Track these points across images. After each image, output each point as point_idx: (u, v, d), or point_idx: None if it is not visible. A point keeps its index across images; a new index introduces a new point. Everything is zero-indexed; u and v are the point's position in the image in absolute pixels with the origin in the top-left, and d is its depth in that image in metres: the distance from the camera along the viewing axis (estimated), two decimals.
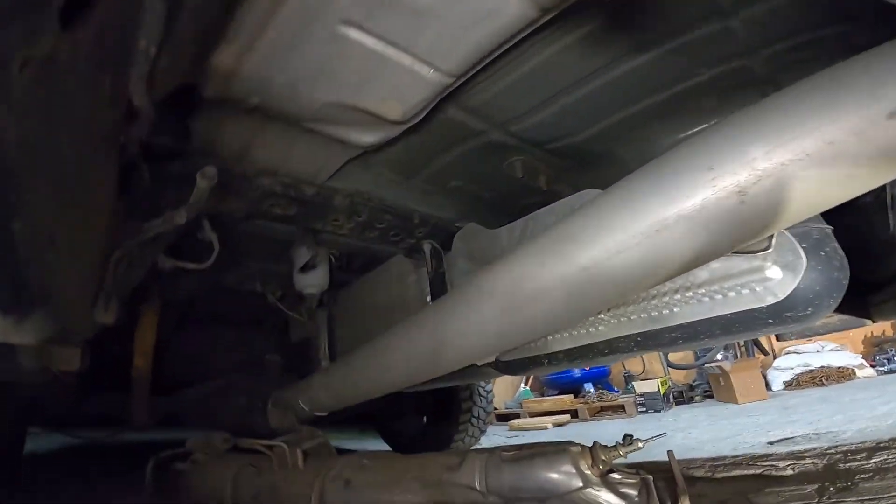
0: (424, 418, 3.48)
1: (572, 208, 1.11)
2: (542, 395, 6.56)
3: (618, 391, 6.03)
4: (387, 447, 3.62)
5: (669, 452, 1.09)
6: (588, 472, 1.06)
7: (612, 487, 1.06)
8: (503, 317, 1.02)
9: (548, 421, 5.15)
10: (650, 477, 1.05)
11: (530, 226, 1.40)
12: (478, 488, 1.16)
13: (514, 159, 1.55)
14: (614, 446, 1.09)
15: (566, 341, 1.28)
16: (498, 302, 1.02)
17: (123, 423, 2.48)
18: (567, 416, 5.34)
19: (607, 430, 4.24)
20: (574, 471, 1.06)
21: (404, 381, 1.39)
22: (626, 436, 1.08)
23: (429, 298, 1.72)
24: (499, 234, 1.58)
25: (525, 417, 5.60)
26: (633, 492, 1.07)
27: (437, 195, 1.74)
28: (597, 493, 1.04)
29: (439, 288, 1.67)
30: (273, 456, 1.57)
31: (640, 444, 1.07)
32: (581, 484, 1.05)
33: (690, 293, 1.02)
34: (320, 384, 1.75)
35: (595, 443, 1.12)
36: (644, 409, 5.26)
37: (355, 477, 1.37)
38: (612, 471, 1.11)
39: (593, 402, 5.55)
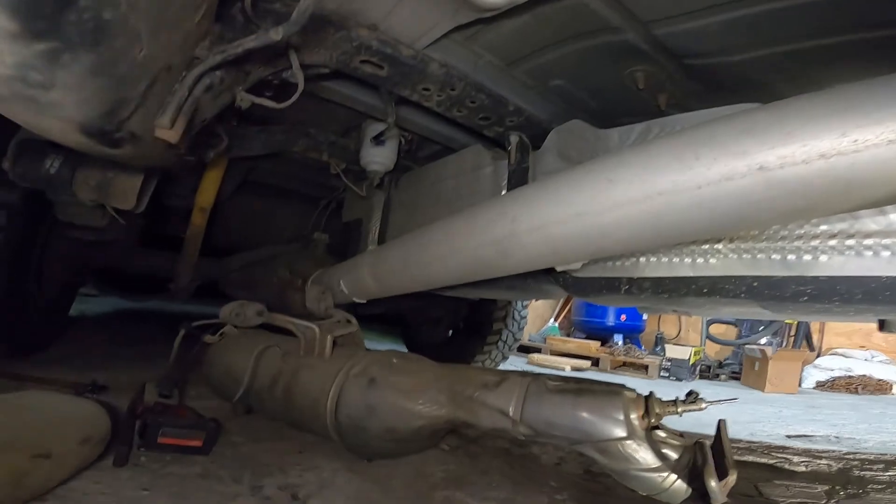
0: (450, 331, 3.49)
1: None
2: (569, 336, 6.53)
3: (645, 350, 5.93)
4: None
5: (721, 422, 0.98)
6: (636, 423, 0.97)
7: (655, 445, 0.97)
8: (596, 218, 0.84)
9: (567, 363, 5.14)
10: (705, 442, 0.95)
11: (653, 131, 1.21)
12: (510, 415, 1.09)
13: (638, 68, 1.31)
14: (673, 401, 0.98)
15: (660, 268, 1.10)
16: (595, 198, 0.84)
17: (167, 284, 2.58)
18: (587, 363, 5.31)
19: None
20: (622, 418, 0.96)
21: (460, 276, 1.25)
22: (690, 392, 0.97)
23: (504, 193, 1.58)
24: (609, 134, 1.39)
25: (546, 354, 5.61)
26: (673, 454, 0.98)
27: (535, 92, 1.55)
28: (636, 447, 0.95)
29: (519, 183, 1.52)
30: (302, 338, 1.54)
31: (703, 406, 0.96)
32: (624, 434, 0.96)
33: (852, 241, 0.83)
34: (367, 266, 1.65)
35: (651, 393, 1.01)
36: (666, 375, 5.15)
37: (381, 376, 1.32)
38: (657, 427, 1.02)
39: (618, 355, 5.48)
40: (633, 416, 0.97)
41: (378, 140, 1.90)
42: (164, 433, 1.22)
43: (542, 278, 1.41)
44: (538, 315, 6.92)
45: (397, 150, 1.97)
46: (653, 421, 0.97)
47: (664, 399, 1.00)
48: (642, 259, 1.13)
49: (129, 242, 2.44)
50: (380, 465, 1.35)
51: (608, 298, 1.27)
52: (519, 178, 1.53)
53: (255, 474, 1.20)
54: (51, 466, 0.94)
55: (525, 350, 5.84)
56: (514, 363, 4.84)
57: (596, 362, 5.45)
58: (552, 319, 6.94)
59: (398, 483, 1.27)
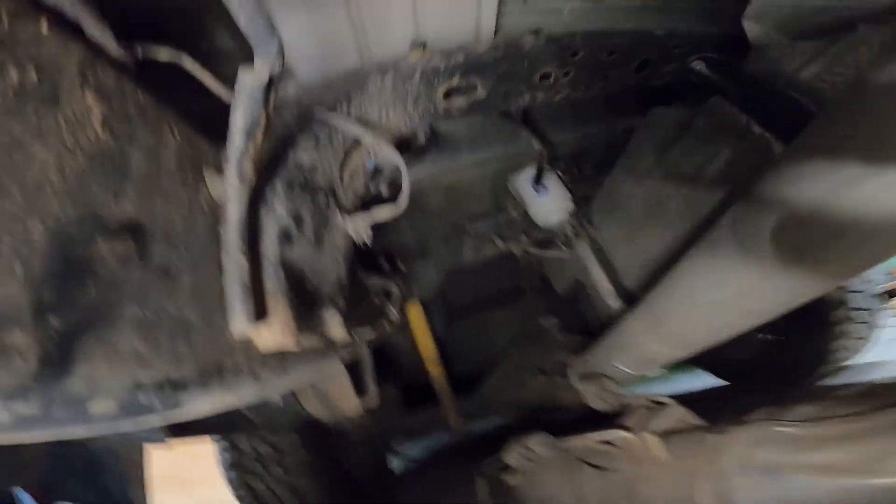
0: (767, 335, 2.62)
1: None
2: None
3: None
4: (713, 378, 2.85)
5: None
6: None
7: None
8: None
9: None
10: None
11: None
12: None
13: None
14: None
15: None
16: None
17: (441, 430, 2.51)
18: None
19: None
20: None
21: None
22: None
23: None
24: None
25: None
26: None
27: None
28: None
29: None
30: (619, 449, 1.13)
31: None
32: None
33: None
34: (642, 331, 1.19)
35: None
36: None
37: (783, 458, 0.81)
38: None
39: None
40: None
41: (538, 186, 1.55)
42: None
43: None
44: None
45: (561, 183, 1.60)
46: None
47: None
48: None
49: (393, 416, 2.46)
50: None
51: None
52: None
53: None
54: None
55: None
56: None
57: None
58: None
59: None
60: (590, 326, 1.74)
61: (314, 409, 1.36)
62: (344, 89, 0.95)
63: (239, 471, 2.07)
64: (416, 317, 2.02)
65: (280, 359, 0.72)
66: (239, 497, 2.07)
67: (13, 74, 0.41)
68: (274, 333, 0.65)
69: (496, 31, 1.02)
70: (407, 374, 2.31)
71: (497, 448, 1.62)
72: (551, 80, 1.11)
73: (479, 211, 1.76)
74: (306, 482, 2.02)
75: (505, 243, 1.76)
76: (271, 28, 0.54)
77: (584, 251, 1.78)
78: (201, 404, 0.56)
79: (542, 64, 1.07)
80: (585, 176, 1.79)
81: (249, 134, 0.60)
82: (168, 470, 2.85)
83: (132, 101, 0.56)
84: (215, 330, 0.59)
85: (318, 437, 2.04)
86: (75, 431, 0.44)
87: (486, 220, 1.80)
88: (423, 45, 0.97)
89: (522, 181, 1.58)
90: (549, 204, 1.59)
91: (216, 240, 0.64)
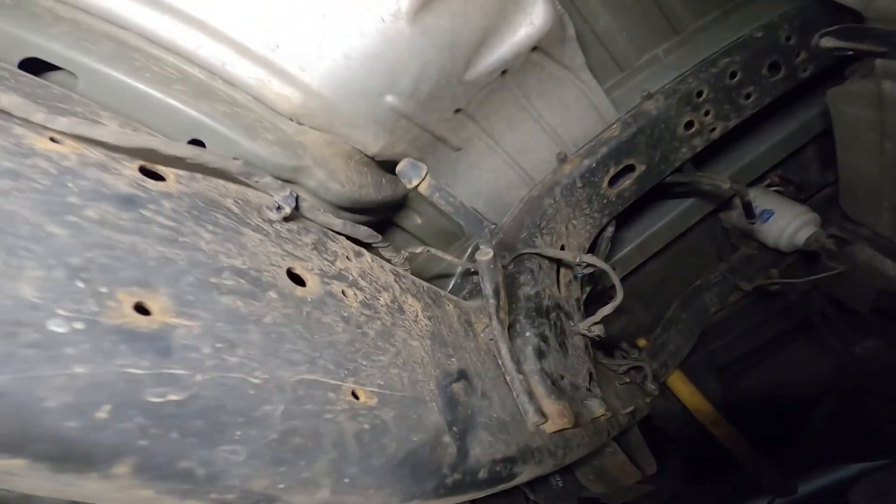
0: None
1: None
2: None
3: None
4: None
5: None
6: None
7: None
8: None
9: None
10: None
11: None
12: None
13: None
14: None
15: None
16: None
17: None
18: None
19: None
20: None
21: None
22: None
23: None
24: None
25: None
26: None
27: None
28: None
29: None
30: None
31: None
32: None
33: None
34: None
35: None
36: None
37: None
38: None
39: None
40: None
41: (756, 216, 1.52)
42: None
43: None
44: None
45: (793, 193, 1.56)
46: None
47: None
48: None
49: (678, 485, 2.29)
50: None
51: None
52: None
53: None
54: None
55: None
56: None
57: None
58: None
59: None
60: None
61: (593, 485, 1.49)
62: (530, 219, 1.21)
63: None
64: (680, 384, 2.01)
65: (564, 438, 0.99)
66: None
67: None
68: (553, 420, 0.93)
69: (616, 110, 1.22)
70: (690, 442, 2.23)
71: None
72: (695, 125, 1.22)
73: (704, 263, 1.81)
74: None
75: (751, 283, 1.73)
76: (480, 219, 0.92)
77: (866, 253, 1.60)
78: (524, 474, 0.86)
79: (676, 117, 1.20)
80: (810, 181, 1.73)
81: (496, 293, 0.96)
82: None
83: (427, 291, 0.97)
84: (521, 424, 0.89)
85: None
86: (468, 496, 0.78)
87: (717, 270, 1.81)
88: (564, 156, 1.24)
89: (737, 218, 1.60)
90: (785, 224, 1.55)
91: (498, 367, 0.98)
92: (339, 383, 0.60)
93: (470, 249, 1.30)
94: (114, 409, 0.37)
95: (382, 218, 1.19)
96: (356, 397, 0.62)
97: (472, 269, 1.16)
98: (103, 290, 0.42)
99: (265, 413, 0.48)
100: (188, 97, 0.83)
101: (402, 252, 0.98)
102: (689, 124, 1.24)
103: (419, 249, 1.00)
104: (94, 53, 0.78)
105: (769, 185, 1.71)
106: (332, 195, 0.96)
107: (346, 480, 0.56)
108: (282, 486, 0.49)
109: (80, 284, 0.41)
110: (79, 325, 0.38)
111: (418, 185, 0.77)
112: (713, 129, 1.27)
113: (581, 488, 1.56)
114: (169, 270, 0.50)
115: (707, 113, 1.24)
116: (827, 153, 1.53)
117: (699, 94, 1.21)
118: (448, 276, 1.30)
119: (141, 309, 0.44)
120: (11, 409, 0.34)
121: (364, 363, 0.66)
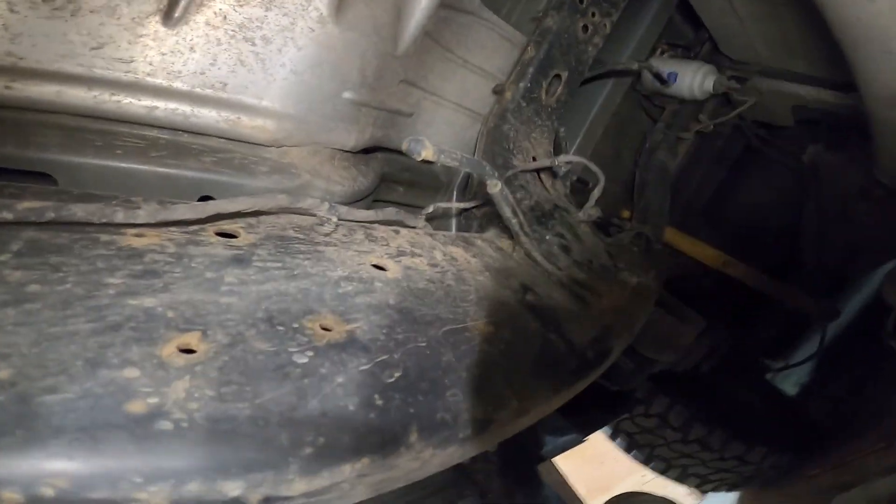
0: None
1: None
2: None
3: None
4: None
5: None
6: None
7: None
8: None
9: None
10: None
11: None
12: None
13: None
14: None
15: None
16: None
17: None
18: None
19: None
20: None
21: None
22: None
23: None
24: None
25: None
26: None
27: None
28: None
29: None
30: None
31: None
32: None
33: None
34: None
35: None
36: None
37: None
38: None
39: None
40: None
41: (668, 78, 1.75)
42: None
43: None
44: None
45: (684, 54, 1.81)
46: None
47: None
48: None
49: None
50: None
51: None
52: None
53: None
54: None
55: None
56: None
57: None
58: None
59: None
60: None
61: (658, 355, 1.71)
62: (498, 147, 1.34)
63: (643, 449, 2.38)
64: (678, 239, 2.08)
65: (622, 311, 1.15)
66: (657, 469, 2.38)
67: None
68: (603, 296, 1.09)
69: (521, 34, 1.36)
70: (717, 295, 2.30)
71: None
72: (590, 28, 1.42)
73: (643, 128, 2.04)
74: (698, 430, 2.19)
75: (689, 131, 1.99)
76: (482, 162, 1.01)
77: (765, 82, 1.84)
78: (616, 347, 1.02)
79: (573, 25, 1.40)
80: (691, 41, 1.96)
81: (515, 213, 1.07)
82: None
83: (458, 238, 1.07)
84: (584, 308, 1.04)
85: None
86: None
87: (657, 130, 2.03)
88: (501, 87, 1.37)
89: (652, 84, 1.82)
90: (691, 78, 1.79)
91: (542, 273, 1.11)
92: (465, 324, 0.70)
93: (455, 192, 1.41)
94: (378, 395, 0.46)
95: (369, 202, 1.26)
96: (479, 330, 0.72)
97: (470, 207, 1.26)
98: (295, 325, 0.49)
99: (447, 361, 0.58)
100: (171, 160, 0.82)
101: (419, 216, 1.06)
102: (585, 28, 1.42)
103: (430, 209, 1.09)
104: (53, 147, 0.71)
105: (662, 53, 1.94)
106: (337, 197, 1.02)
107: (519, 388, 0.67)
108: (490, 407, 0.59)
109: (281, 328, 0.47)
110: (310, 353, 0.45)
111: (427, 154, 0.84)
112: (605, 26, 1.47)
113: (649, 363, 1.75)
114: (311, 295, 0.57)
115: (594, 14, 1.43)
116: (693, 15, 1.77)
117: (581, 1, 1.39)
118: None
119: (325, 328, 0.51)
120: (332, 421, 0.42)
121: (464, 305, 0.77)
